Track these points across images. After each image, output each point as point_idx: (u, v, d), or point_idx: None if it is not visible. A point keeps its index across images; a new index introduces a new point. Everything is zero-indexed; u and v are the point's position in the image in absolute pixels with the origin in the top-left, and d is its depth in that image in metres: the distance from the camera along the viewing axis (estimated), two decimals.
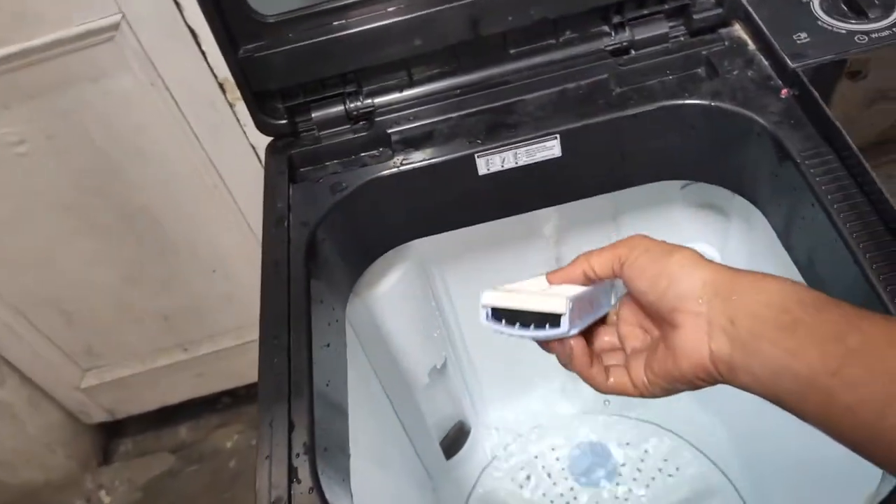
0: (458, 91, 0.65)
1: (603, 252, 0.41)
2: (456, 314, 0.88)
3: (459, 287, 0.84)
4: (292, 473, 0.46)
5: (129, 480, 1.37)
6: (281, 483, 0.45)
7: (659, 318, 0.38)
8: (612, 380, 0.41)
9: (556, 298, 0.39)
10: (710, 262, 0.37)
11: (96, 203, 1.03)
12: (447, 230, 0.68)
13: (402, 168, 0.62)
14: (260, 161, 1.01)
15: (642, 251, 0.39)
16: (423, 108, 0.65)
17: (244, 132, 0.98)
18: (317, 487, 0.45)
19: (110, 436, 1.47)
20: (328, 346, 0.55)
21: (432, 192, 0.64)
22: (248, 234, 1.11)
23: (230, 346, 1.28)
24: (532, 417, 1.04)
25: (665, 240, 0.40)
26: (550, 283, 0.43)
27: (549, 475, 0.99)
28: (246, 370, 1.34)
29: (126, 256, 1.12)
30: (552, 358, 1.04)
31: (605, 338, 0.44)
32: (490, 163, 0.61)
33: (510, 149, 0.61)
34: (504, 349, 0.96)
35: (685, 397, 0.98)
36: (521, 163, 0.61)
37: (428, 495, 0.94)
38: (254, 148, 1.00)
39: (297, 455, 0.47)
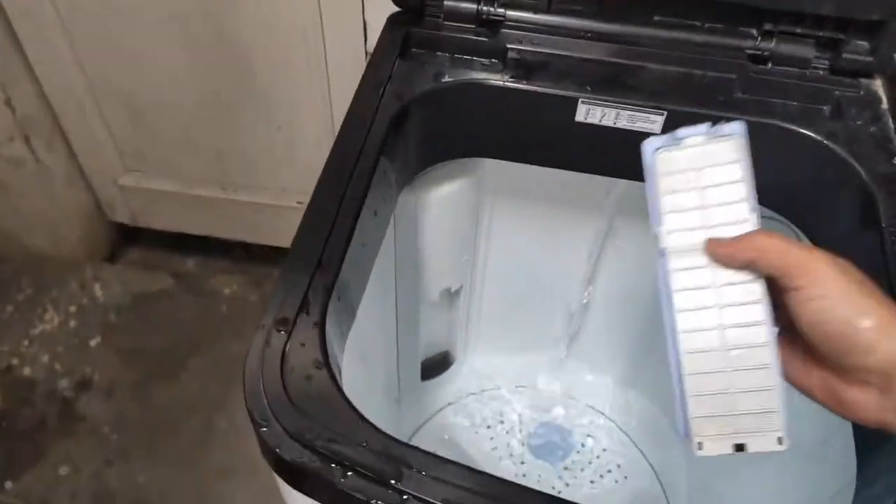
0: (589, 34, 0.64)
1: (778, 253, 0.35)
2: (488, 250, 0.89)
3: (503, 225, 0.85)
4: (304, 304, 0.48)
5: (126, 284, 1.42)
6: (292, 307, 0.47)
7: (826, 362, 0.36)
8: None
9: (768, 436, 0.37)
10: None
11: (202, 24, 1.05)
12: (521, 161, 0.68)
13: (507, 84, 0.62)
14: (365, 43, 1.02)
15: (828, 294, 0.33)
16: (549, 36, 0.65)
17: (363, 6, 0.99)
18: (321, 325, 0.47)
19: (123, 239, 1.52)
20: (376, 214, 0.57)
21: (524, 119, 0.64)
22: (326, 110, 1.13)
23: (265, 203, 1.31)
24: (515, 377, 1.06)
25: None
26: (713, 255, 0.38)
27: (507, 433, 1.01)
28: (270, 231, 1.37)
29: (208, 83, 1.14)
30: (556, 332, 1.05)
31: None
32: (590, 113, 0.62)
33: (615, 107, 0.61)
34: (515, 305, 0.97)
35: (667, 427, 0.99)
36: (619, 125, 0.62)
37: (391, 404, 0.97)
38: (365, 26, 1.01)
39: (314, 291, 0.48)
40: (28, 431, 1.18)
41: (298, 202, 1.29)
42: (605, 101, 0.61)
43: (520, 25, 0.65)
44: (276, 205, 1.31)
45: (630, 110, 0.61)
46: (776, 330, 0.37)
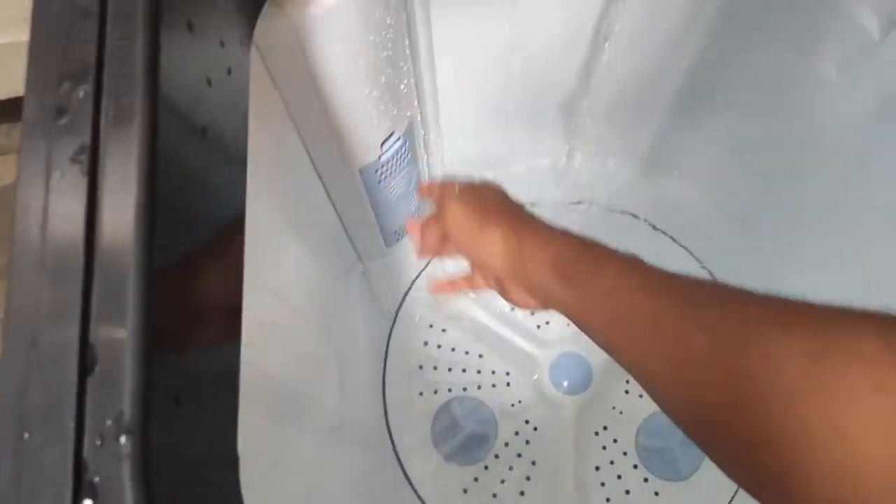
0: None
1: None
2: (434, 59, 0.63)
3: (451, 10, 0.59)
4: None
5: None
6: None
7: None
8: None
9: None
10: (509, 237, 0.40)
11: None
12: None
13: None
14: None
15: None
16: None
17: None
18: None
19: None
20: (210, 83, 0.32)
21: None
22: None
23: None
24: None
25: None
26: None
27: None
28: None
29: None
30: (554, 132, 0.82)
31: None
32: None
33: None
34: (490, 114, 0.75)
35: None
36: None
37: (355, 277, 0.79)
38: None
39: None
40: None
41: None
42: None
43: None
44: None
45: None
46: None
